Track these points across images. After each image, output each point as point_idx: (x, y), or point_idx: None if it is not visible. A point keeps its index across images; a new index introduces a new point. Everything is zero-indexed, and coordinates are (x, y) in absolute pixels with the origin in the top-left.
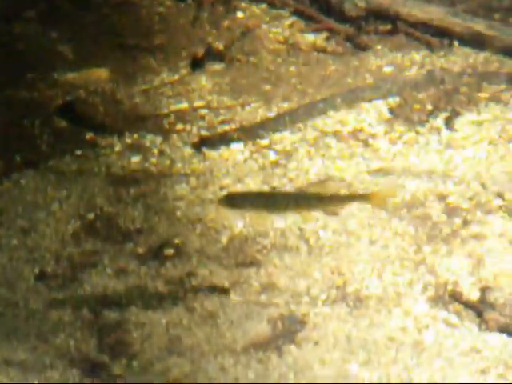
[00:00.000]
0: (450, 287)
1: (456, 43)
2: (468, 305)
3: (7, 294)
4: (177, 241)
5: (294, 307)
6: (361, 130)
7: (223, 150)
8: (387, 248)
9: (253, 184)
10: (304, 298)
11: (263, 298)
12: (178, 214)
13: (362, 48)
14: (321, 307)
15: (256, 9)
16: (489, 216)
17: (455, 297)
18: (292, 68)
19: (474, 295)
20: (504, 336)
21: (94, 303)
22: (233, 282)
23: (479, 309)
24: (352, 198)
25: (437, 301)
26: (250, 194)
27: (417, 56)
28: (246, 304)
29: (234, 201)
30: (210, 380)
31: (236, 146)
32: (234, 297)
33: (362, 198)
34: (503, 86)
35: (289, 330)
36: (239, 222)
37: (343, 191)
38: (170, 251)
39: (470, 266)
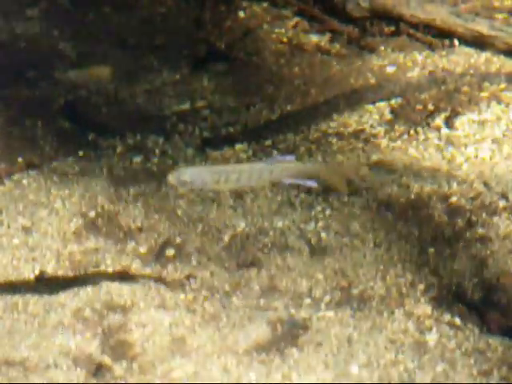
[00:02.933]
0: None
1: (456, 43)
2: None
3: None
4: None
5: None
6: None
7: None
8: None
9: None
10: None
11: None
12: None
13: (369, 50)
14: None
15: (258, 9)
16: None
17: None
18: (295, 69)
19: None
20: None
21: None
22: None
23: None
24: (302, 170)
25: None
26: (200, 169)
27: (419, 56)
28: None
29: (184, 176)
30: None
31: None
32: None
33: (313, 170)
34: (504, 86)
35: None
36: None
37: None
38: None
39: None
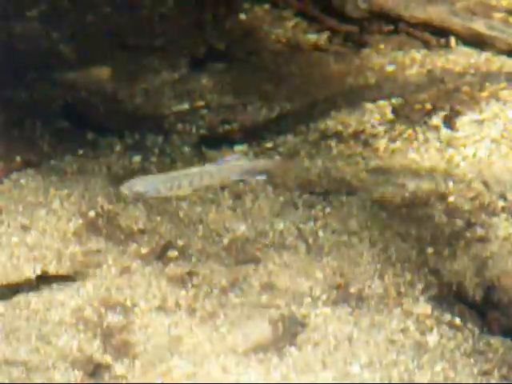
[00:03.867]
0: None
1: (453, 43)
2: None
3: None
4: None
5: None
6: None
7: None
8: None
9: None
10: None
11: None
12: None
13: (362, 45)
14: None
15: (259, 10)
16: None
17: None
18: (294, 68)
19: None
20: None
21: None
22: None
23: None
24: (249, 167)
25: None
26: (153, 178)
27: (418, 55)
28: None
29: (137, 187)
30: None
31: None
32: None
33: (259, 166)
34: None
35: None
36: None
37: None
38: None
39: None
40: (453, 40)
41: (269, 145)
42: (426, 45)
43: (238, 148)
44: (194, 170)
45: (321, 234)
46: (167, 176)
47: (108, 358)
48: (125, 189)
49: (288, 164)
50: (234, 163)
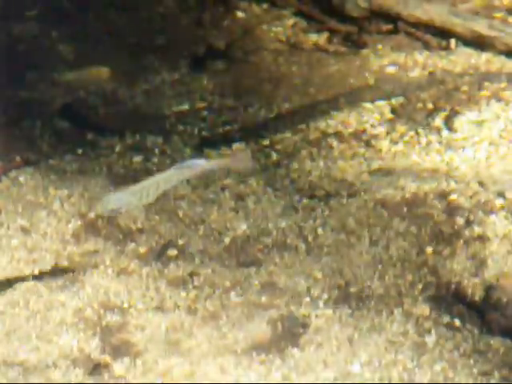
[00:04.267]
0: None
1: (453, 43)
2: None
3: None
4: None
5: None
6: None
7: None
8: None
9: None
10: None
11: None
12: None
13: (361, 46)
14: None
15: (257, 8)
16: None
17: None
18: (294, 68)
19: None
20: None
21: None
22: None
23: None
24: (207, 167)
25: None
26: (122, 194)
27: (419, 56)
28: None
29: (109, 205)
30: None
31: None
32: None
33: (217, 165)
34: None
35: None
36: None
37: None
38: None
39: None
40: (453, 42)
41: (266, 143)
42: (426, 45)
43: (236, 146)
44: (157, 177)
45: (320, 232)
46: (134, 188)
47: (107, 358)
48: (100, 209)
49: (242, 156)
50: (193, 164)
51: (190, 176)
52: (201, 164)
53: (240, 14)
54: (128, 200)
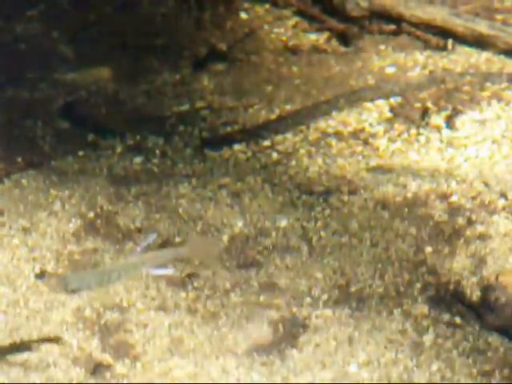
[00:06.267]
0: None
1: (450, 44)
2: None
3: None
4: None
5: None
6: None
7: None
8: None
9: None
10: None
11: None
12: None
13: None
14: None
15: (260, 9)
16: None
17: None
18: (294, 68)
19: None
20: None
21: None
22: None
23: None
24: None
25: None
26: (84, 275)
27: (419, 56)
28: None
29: (71, 285)
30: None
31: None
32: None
33: (179, 254)
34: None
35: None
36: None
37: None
38: None
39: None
40: (450, 43)
41: (267, 143)
42: (427, 45)
43: (237, 147)
44: (120, 264)
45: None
46: (96, 271)
47: (107, 357)
48: (61, 287)
49: (202, 244)
50: (154, 254)
51: (151, 266)
52: (160, 255)
53: (243, 15)
54: (89, 282)
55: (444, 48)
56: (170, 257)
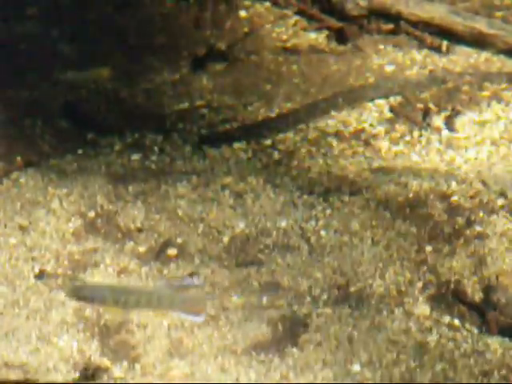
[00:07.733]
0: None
1: (445, 46)
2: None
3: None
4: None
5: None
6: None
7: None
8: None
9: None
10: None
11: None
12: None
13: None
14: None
15: (260, 8)
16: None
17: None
18: (294, 67)
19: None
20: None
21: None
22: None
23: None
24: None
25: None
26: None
27: (418, 55)
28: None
29: (84, 292)
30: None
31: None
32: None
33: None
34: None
35: None
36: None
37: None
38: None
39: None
40: (445, 44)
41: (268, 143)
42: (426, 44)
43: (237, 145)
44: (147, 288)
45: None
46: (116, 287)
47: (106, 359)
48: (70, 292)
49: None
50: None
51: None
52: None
53: (243, 14)
54: (104, 295)
55: (439, 48)
56: (202, 302)
